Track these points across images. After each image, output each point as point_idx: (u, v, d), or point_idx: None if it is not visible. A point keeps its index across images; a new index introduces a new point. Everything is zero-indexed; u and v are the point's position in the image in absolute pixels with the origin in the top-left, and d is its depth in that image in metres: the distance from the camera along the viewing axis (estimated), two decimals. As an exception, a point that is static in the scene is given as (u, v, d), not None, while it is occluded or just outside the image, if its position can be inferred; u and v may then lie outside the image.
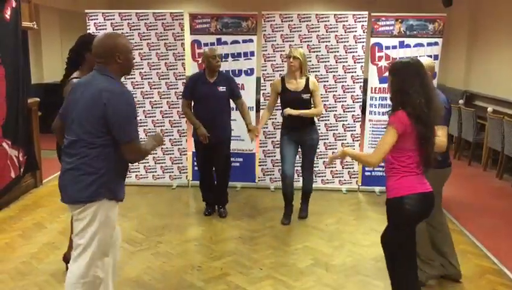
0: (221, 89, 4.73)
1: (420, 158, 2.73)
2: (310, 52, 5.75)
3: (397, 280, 2.86)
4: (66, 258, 3.68)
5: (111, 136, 2.56)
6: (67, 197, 2.66)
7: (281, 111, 4.80)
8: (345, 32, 5.70)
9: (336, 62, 5.76)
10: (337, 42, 5.73)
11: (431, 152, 2.74)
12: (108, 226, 2.68)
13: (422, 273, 3.50)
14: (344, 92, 5.80)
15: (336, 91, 5.81)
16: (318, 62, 5.77)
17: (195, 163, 5.34)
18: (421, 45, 5.70)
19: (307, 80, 4.65)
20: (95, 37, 3.36)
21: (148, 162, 6.01)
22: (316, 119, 4.93)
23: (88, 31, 5.85)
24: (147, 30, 5.81)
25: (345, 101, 5.82)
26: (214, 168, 5.00)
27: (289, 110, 4.56)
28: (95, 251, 2.66)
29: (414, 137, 2.68)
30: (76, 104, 2.61)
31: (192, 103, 4.83)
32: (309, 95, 4.64)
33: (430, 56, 5.68)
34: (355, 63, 5.75)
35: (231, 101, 4.94)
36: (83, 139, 2.56)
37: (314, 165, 5.09)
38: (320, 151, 5.86)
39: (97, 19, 5.85)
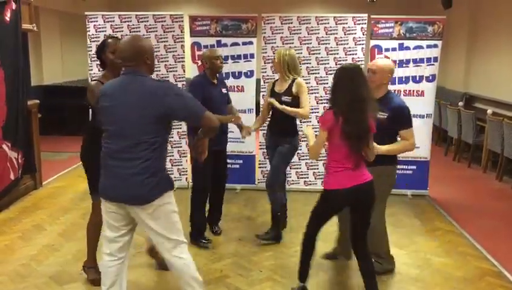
0: (224, 91, 4.55)
1: (350, 154, 3.05)
2: (309, 54, 5.76)
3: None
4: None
5: (167, 131, 2.76)
6: (138, 199, 2.71)
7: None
8: (345, 34, 5.71)
9: (336, 64, 5.76)
10: (337, 44, 5.74)
11: (357, 150, 3.06)
12: (174, 211, 2.87)
13: (378, 265, 3.70)
14: (344, 94, 5.80)
15: (336, 93, 5.80)
16: (318, 64, 5.78)
17: (197, 182, 4.48)
18: (420, 47, 5.71)
19: (292, 82, 4.32)
20: (107, 39, 3.46)
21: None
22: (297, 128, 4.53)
23: (88, 33, 5.87)
24: (147, 32, 5.81)
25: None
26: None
27: (272, 100, 4.29)
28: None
29: (339, 135, 3.04)
30: (128, 109, 2.64)
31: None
32: (290, 98, 4.27)
33: (430, 58, 5.71)
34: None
35: None
36: (144, 141, 2.63)
37: (298, 167, 4.96)
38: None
39: (97, 21, 5.85)
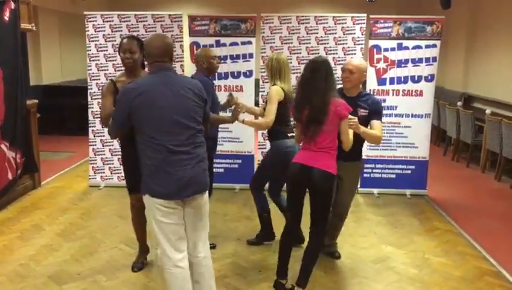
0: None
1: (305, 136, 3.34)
2: (308, 54, 5.76)
3: None
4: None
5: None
6: (203, 186, 2.87)
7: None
8: (344, 34, 5.72)
9: (335, 64, 5.75)
10: (336, 44, 5.74)
11: (305, 133, 3.32)
12: None
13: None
14: (343, 94, 5.80)
15: (335, 93, 5.81)
16: (317, 64, 5.77)
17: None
18: (419, 47, 5.71)
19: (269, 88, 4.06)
20: (122, 39, 3.56)
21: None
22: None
23: (87, 33, 5.87)
24: (146, 32, 5.81)
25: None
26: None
27: (245, 121, 4.04)
28: None
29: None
30: (179, 102, 2.76)
31: None
32: (265, 104, 4.09)
33: (429, 58, 5.72)
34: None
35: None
36: (199, 129, 2.85)
37: None
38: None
39: (96, 21, 5.85)
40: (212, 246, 4.13)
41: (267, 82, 5.70)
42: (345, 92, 3.77)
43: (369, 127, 3.70)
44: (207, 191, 2.93)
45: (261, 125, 4.20)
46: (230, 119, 3.90)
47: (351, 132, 3.36)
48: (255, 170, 4.55)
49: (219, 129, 4.70)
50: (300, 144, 3.46)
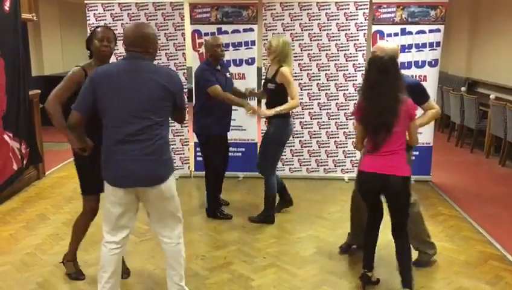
0: (228, 75, 4.71)
1: (371, 139, 3.15)
2: (311, 40, 5.72)
3: None
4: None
5: (169, 114, 2.85)
6: (154, 179, 2.78)
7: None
8: (346, 20, 5.67)
9: (337, 50, 5.73)
10: (338, 30, 5.70)
11: (373, 138, 3.12)
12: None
13: (425, 256, 3.72)
14: (346, 81, 5.78)
15: (338, 80, 5.79)
16: (319, 51, 5.74)
17: (214, 161, 4.73)
18: (422, 31, 5.66)
19: (277, 69, 4.30)
20: (96, 27, 3.41)
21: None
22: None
23: (88, 22, 5.84)
24: (147, 20, 5.77)
25: (347, 90, 5.80)
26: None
27: (264, 112, 4.36)
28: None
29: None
30: (138, 92, 2.69)
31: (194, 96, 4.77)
32: (274, 85, 4.30)
33: (432, 43, 5.67)
34: (356, 51, 5.72)
35: None
36: (155, 122, 2.72)
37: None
38: (322, 140, 5.86)
39: (97, 10, 5.82)
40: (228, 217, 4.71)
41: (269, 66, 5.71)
42: None
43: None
44: (163, 185, 2.80)
45: (293, 107, 4.40)
46: (246, 109, 4.41)
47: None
48: (262, 158, 4.55)
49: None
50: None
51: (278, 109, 4.23)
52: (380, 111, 3.05)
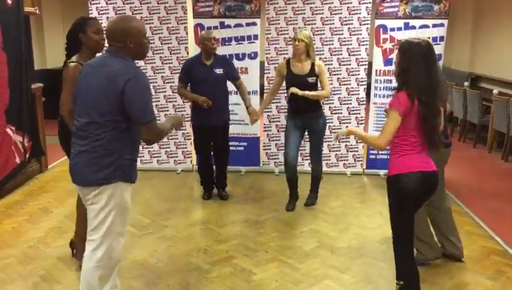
0: (218, 71, 4.72)
1: (423, 138, 2.74)
2: (314, 35, 5.69)
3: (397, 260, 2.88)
4: (73, 244, 3.70)
5: (126, 117, 2.54)
6: (82, 179, 2.63)
7: (285, 95, 4.78)
8: (349, 14, 5.65)
9: (340, 45, 5.71)
10: (342, 25, 5.67)
11: (433, 133, 2.73)
12: (124, 207, 2.69)
13: (419, 256, 3.56)
14: (349, 75, 5.77)
15: (340, 74, 5.77)
16: (322, 45, 5.72)
17: (195, 147, 5.17)
18: (426, 26, 5.64)
19: (313, 63, 4.54)
20: (87, 19, 3.34)
21: (152, 147, 6.00)
22: (321, 103, 4.84)
23: (90, 15, 5.82)
24: (150, 14, 5.76)
25: (350, 84, 5.79)
26: (212, 153, 5.03)
27: (294, 89, 4.42)
28: (113, 236, 2.65)
29: (415, 118, 2.69)
30: (90, 87, 2.59)
31: (189, 88, 4.82)
32: (315, 78, 4.53)
33: (436, 38, 5.65)
34: (359, 45, 5.70)
35: (230, 85, 4.97)
36: (97, 121, 2.54)
37: None
38: (325, 135, 5.84)
39: (99, 3, 5.80)
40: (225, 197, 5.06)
41: (272, 64, 5.71)
42: None
43: None
44: (95, 188, 2.59)
45: (325, 96, 4.70)
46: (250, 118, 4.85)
47: None
48: (316, 149, 4.83)
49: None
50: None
51: (315, 93, 4.51)
52: (437, 108, 2.75)
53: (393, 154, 2.81)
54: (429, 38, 5.60)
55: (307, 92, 4.43)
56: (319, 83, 4.63)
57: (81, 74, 2.73)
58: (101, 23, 5.46)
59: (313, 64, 4.54)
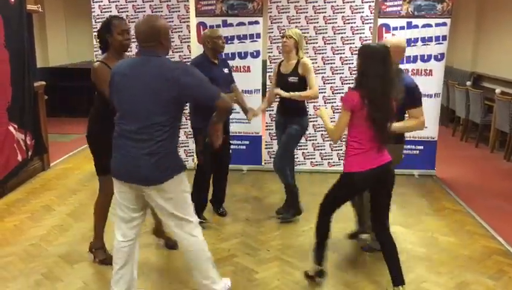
0: (226, 70, 4.51)
1: (372, 136, 2.97)
2: (316, 34, 5.70)
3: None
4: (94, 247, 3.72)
5: (180, 114, 2.76)
6: (153, 180, 2.71)
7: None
8: (352, 13, 5.64)
9: (343, 44, 5.70)
10: (344, 23, 5.67)
11: (382, 133, 2.97)
12: (187, 192, 2.90)
13: (374, 243, 3.71)
14: (351, 74, 5.75)
15: (343, 73, 5.76)
16: (325, 44, 5.72)
17: (197, 162, 4.47)
18: (429, 25, 5.63)
19: (298, 62, 4.25)
20: (112, 19, 3.39)
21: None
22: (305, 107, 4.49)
23: (93, 14, 5.83)
24: (152, 12, 5.76)
25: (352, 84, 5.77)
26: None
27: (278, 90, 4.22)
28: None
29: (365, 117, 2.93)
30: (136, 89, 2.64)
31: None
32: (296, 78, 4.22)
33: (439, 37, 5.64)
34: (362, 44, 5.68)
35: None
36: (157, 122, 2.63)
37: (303, 148, 4.94)
38: (327, 134, 5.83)
39: (102, 1, 5.80)
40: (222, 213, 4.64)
41: (275, 62, 5.69)
42: None
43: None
44: (161, 185, 2.72)
45: (312, 96, 4.31)
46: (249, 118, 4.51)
47: None
48: (279, 150, 4.47)
49: None
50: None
51: (298, 93, 4.18)
52: (386, 103, 2.97)
53: (347, 152, 3.09)
54: (432, 37, 5.64)
55: (290, 93, 4.18)
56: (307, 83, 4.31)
57: (121, 76, 2.71)
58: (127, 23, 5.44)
59: (297, 63, 4.24)
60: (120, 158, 2.75)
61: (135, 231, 2.94)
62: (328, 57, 5.72)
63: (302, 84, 4.23)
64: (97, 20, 5.82)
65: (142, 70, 2.67)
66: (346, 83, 5.77)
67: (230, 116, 5.00)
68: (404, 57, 5.55)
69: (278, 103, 4.55)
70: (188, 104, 4.13)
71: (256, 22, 5.77)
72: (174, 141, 2.76)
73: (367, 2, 5.61)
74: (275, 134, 5.90)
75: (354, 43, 5.69)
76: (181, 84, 2.61)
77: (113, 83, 2.77)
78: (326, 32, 5.69)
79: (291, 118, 4.34)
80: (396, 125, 3.30)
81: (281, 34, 4.53)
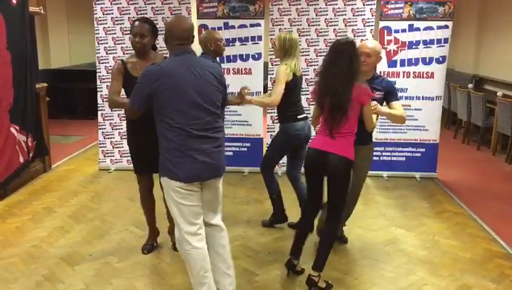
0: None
1: (326, 121, 3.22)
2: (317, 36, 5.70)
3: None
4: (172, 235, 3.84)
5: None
6: (220, 170, 2.88)
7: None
8: (354, 15, 5.64)
9: (344, 46, 5.70)
10: (346, 26, 5.67)
11: (333, 119, 3.16)
12: None
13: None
14: (352, 76, 5.75)
15: (344, 75, 5.76)
16: (326, 46, 5.71)
17: None
18: (430, 28, 5.63)
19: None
20: (134, 21, 3.53)
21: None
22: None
23: (95, 16, 5.84)
24: (154, 15, 5.77)
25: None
26: None
27: (243, 93, 4.04)
28: None
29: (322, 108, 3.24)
30: (199, 85, 2.73)
31: None
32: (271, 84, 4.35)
33: (440, 40, 5.64)
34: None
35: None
36: (219, 115, 2.83)
37: None
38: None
39: (104, 4, 5.81)
40: None
41: (276, 65, 5.70)
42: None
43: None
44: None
45: (268, 105, 4.28)
46: (238, 100, 4.05)
47: (374, 116, 3.33)
48: (264, 153, 4.50)
49: (228, 112, 4.75)
50: (316, 128, 3.40)
51: (255, 98, 4.38)
52: (334, 92, 3.12)
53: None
54: (433, 40, 5.64)
55: (251, 98, 4.16)
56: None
57: (172, 78, 2.70)
58: (106, 23, 5.50)
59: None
60: (194, 159, 2.76)
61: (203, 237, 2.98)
62: (329, 59, 5.71)
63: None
64: (99, 23, 5.84)
65: (195, 68, 2.77)
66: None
67: (231, 119, 5.05)
68: (402, 60, 5.68)
69: None
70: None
71: (258, 24, 5.78)
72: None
73: (368, 5, 5.62)
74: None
75: (355, 46, 5.68)
76: (222, 81, 2.94)
77: (160, 85, 2.71)
78: (327, 35, 5.70)
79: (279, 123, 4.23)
80: (383, 109, 3.49)
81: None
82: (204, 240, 2.89)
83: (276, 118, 4.31)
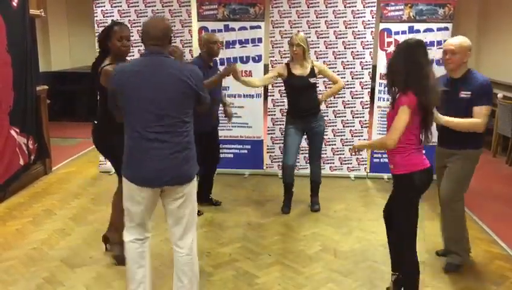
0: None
1: (422, 135, 2.95)
2: (318, 38, 5.71)
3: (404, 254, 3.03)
4: (107, 239, 3.80)
5: (192, 110, 2.77)
6: (179, 178, 2.73)
7: (286, 100, 4.78)
8: (354, 17, 5.65)
9: (345, 48, 5.71)
10: (346, 28, 5.68)
11: (429, 130, 2.97)
12: None
13: (457, 258, 3.66)
14: (352, 79, 5.76)
15: (345, 77, 5.76)
16: (326, 48, 5.72)
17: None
18: (430, 30, 5.63)
19: (312, 65, 4.61)
20: (114, 25, 3.42)
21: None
22: (324, 105, 4.85)
23: (95, 19, 5.85)
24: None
25: (354, 88, 5.79)
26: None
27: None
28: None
29: (418, 116, 2.86)
30: (160, 89, 2.63)
31: None
32: (315, 78, 4.62)
33: (440, 41, 5.64)
34: (363, 49, 5.70)
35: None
36: (182, 120, 2.68)
37: (322, 152, 5.06)
38: (329, 138, 5.84)
39: (104, 6, 5.83)
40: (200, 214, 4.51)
41: (276, 64, 5.70)
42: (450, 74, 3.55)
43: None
44: (188, 184, 2.78)
45: (341, 87, 4.85)
46: (225, 72, 4.21)
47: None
48: (318, 151, 4.82)
49: None
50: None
51: (331, 91, 4.81)
52: (435, 99, 2.89)
53: (398, 153, 2.93)
54: (434, 41, 5.64)
55: (328, 92, 4.84)
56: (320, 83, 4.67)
57: (134, 78, 2.66)
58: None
59: (312, 66, 4.61)
60: (144, 162, 2.73)
61: (147, 232, 3.05)
62: (329, 61, 5.72)
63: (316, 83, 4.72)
64: (99, 25, 5.84)
65: (158, 70, 2.67)
66: (348, 88, 5.76)
67: (232, 120, 5.05)
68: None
69: (292, 105, 4.70)
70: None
71: (258, 27, 5.79)
72: (193, 138, 2.84)
73: (368, 7, 5.62)
74: (276, 138, 5.94)
75: (355, 48, 5.69)
76: (194, 84, 2.77)
77: (118, 83, 2.73)
78: (328, 37, 5.70)
79: (315, 116, 4.67)
80: (444, 119, 3.48)
81: (289, 42, 4.59)
82: (145, 242, 2.99)
83: (310, 111, 4.63)
